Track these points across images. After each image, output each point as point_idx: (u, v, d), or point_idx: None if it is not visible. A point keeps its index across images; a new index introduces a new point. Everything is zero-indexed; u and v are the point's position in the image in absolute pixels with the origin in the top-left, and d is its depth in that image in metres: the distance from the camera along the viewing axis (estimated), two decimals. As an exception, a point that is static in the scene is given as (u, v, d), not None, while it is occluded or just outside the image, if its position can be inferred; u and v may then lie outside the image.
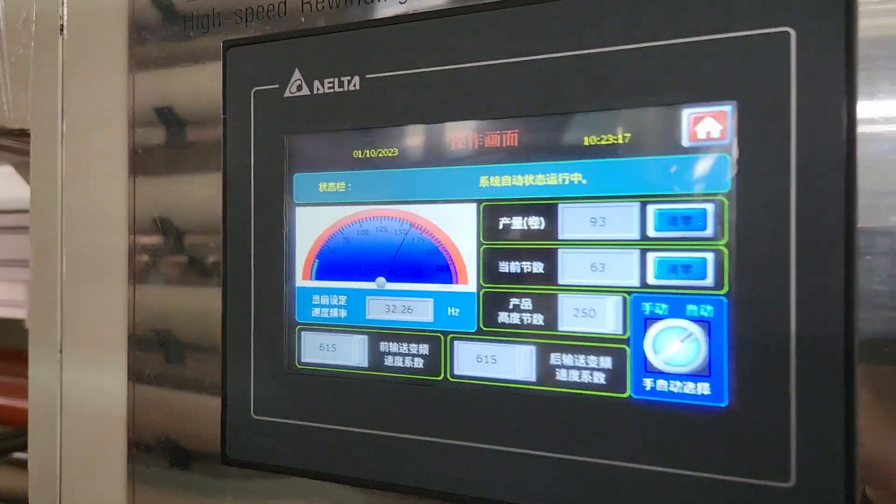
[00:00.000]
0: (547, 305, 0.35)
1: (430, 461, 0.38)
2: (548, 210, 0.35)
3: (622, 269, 0.34)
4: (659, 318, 0.33)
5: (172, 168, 0.48)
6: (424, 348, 0.38)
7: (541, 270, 0.36)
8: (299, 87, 0.41)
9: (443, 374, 0.38)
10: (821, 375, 0.30)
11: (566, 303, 0.35)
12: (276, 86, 0.42)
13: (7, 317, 1.04)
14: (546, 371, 0.35)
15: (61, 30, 0.52)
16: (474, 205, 0.37)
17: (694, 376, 0.33)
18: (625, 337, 0.34)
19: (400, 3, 0.40)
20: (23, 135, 0.55)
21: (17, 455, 1.10)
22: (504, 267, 0.36)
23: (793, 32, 0.30)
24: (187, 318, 0.47)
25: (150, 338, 0.48)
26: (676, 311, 0.33)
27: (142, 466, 0.48)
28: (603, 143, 0.34)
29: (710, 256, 0.32)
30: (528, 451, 0.35)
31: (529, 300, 0.36)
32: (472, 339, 0.37)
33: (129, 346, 0.49)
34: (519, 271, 0.36)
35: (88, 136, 0.51)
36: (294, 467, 0.41)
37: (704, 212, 0.32)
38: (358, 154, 0.40)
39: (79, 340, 0.51)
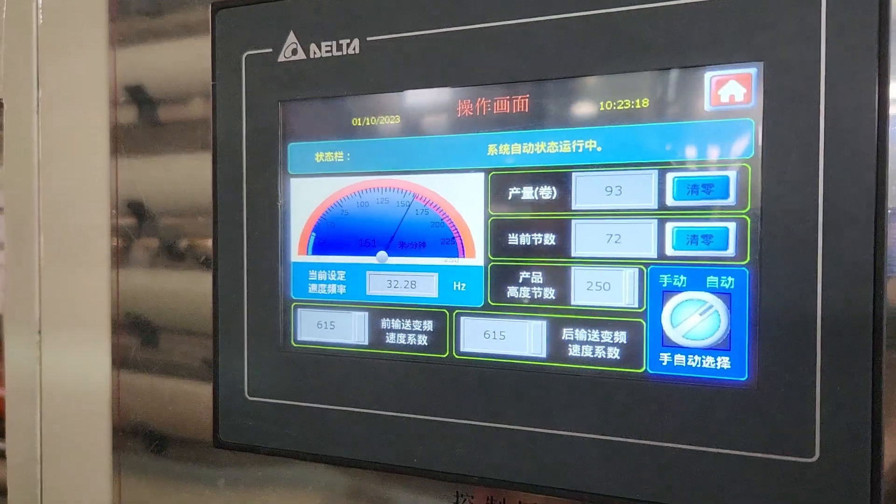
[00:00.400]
0: (559, 278, 0.34)
1: (435, 441, 0.36)
2: (560, 179, 0.34)
3: (639, 239, 0.32)
4: (677, 290, 0.32)
5: (156, 142, 0.45)
6: (429, 324, 0.37)
7: (553, 242, 0.34)
8: (294, 52, 0.39)
9: (448, 352, 0.36)
10: (847, 349, 0.29)
11: (580, 275, 0.34)
12: (270, 50, 0.40)
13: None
14: (558, 346, 0.34)
15: (35, -7, 0.49)
16: (482, 174, 0.35)
17: (714, 350, 0.31)
18: (641, 310, 0.33)
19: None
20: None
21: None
22: (513, 239, 0.35)
23: (824, -11, 0.29)
24: (174, 298, 0.45)
25: (135, 319, 0.46)
26: (696, 283, 0.32)
27: (128, 453, 0.46)
28: (619, 108, 0.33)
29: (731, 226, 0.31)
30: (539, 429, 0.34)
31: (540, 273, 0.34)
32: (479, 315, 0.36)
33: (112, 328, 0.46)
34: (529, 243, 0.35)
35: (66, 107, 0.48)
36: (290, 450, 0.39)
37: (727, 179, 0.31)
38: (357, 122, 0.38)
39: (59, 322, 0.49)
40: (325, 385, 0.38)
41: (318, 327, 0.39)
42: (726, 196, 0.31)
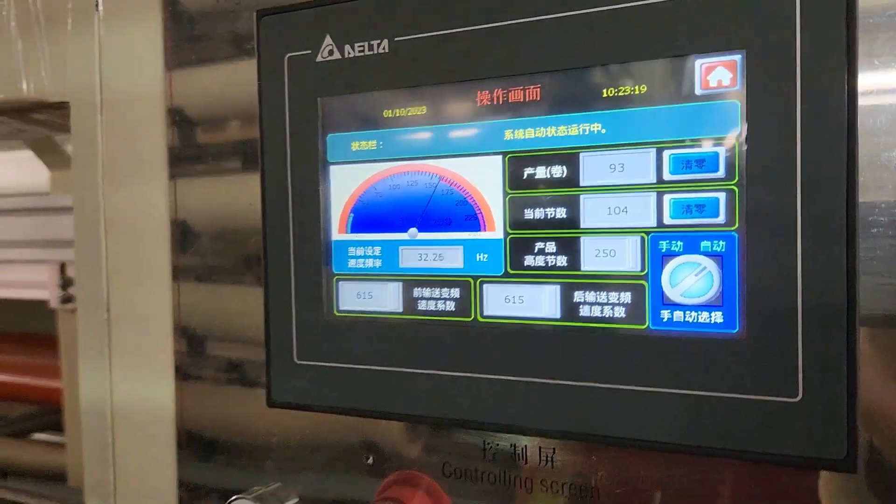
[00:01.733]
0: (570, 248, 0.38)
1: (463, 394, 0.41)
2: (570, 159, 0.38)
3: (640, 210, 0.37)
4: (675, 254, 0.36)
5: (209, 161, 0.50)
6: (455, 292, 0.41)
7: (564, 216, 0.38)
8: (331, 52, 0.44)
9: (473, 315, 0.41)
10: (825, 300, 0.33)
11: (588, 244, 0.38)
12: (309, 51, 0.44)
13: (30, 298, 1.06)
14: (570, 308, 0.38)
15: (97, 6, 0.55)
16: (500, 157, 0.40)
17: (708, 306, 0.35)
18: (643, 273, 0.37)
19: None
20: (61, 107, 0.58)
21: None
22: (529, 214, 0.39)
23: (797, -17, 0.32)
24: (230, 273, 0.50)
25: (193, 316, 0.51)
26: (691, 248, 0.36)
27: (188, 429, 0.52)
28: (621, 93, 0.37)
29: (722, 196, 0.35)
30: (555, 381, 0.38)
31: (554, 243, 0.39)
32: (499, 282, 0.40)
33: (174, 315, 0.52)
34: (543, 217, 0.39)
35: (127, 111, 0.54)
36: (335, 406, 0.44)
37: (717, 155, 0.35)
38: (388, 113, 0.43)
39: (126, 316, 0.54)
40: (365, 348, 0.43)
41: (357, 297, 0.44)
42: (716, 170, 0.35)
